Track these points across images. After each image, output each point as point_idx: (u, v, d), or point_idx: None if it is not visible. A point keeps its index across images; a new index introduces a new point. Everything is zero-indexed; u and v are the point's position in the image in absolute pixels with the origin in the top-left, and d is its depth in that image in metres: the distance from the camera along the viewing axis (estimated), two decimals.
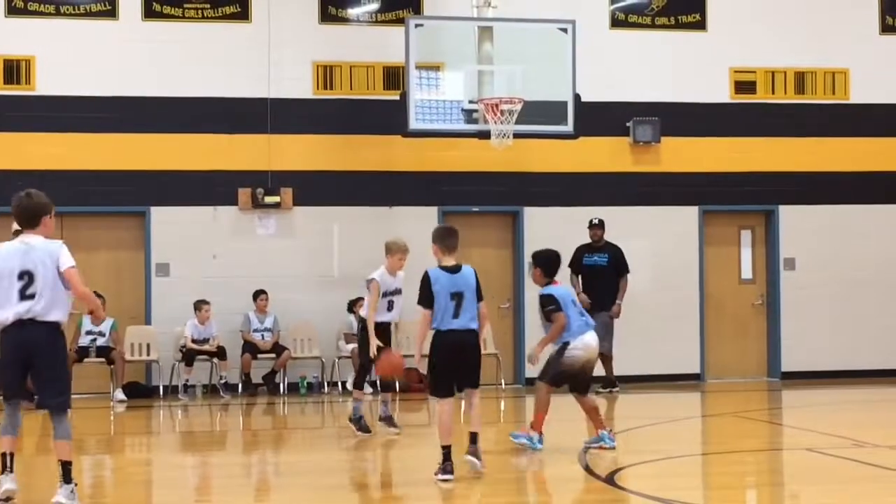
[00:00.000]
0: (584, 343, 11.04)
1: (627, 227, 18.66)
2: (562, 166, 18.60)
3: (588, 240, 17.49)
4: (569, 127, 17.45)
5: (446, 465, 9.53)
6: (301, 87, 18.11)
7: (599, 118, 18.30)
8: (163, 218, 17.72)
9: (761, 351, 19.64)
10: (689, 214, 19.12)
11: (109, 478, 10.26)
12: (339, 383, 17.76)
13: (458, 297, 9.63)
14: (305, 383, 17.72)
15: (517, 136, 16.85)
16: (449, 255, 9.82)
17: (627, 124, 18.79)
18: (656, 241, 18.94)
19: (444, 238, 9.91)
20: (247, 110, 17.83)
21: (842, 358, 19.13)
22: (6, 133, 17.30)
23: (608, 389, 17.17)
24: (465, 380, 9.85)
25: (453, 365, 9.64)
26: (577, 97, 17.31)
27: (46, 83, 17.49)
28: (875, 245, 19.44)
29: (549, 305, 10.97)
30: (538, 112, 17.11)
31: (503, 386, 18.00)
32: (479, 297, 9.84)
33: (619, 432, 12.55)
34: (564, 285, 11.62)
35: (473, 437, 9.85)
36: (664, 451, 11.14)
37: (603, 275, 17.29)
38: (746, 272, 19.71)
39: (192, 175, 17.71)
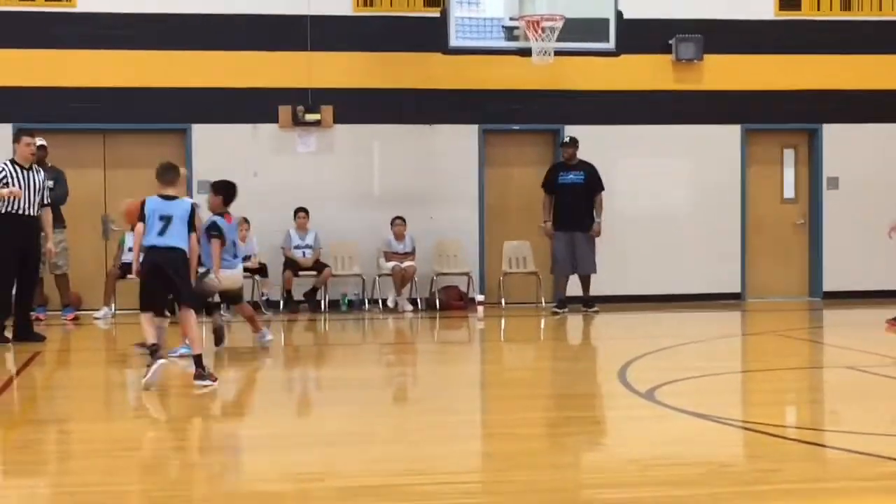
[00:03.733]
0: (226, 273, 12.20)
1: (668, 145, 18.57)
2: (603, 84, 18.47)
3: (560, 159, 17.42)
4: (610, 44, 17.30)
5: (198, 372, 10.06)
6: (342, 4, 18.01)
7: (641, 36, 18.12)
8: (204, 135, 17.75)
9: (803, 270, 19.57)
10: (731, 133, 18.98)
11: (152, 390, 10.38)
12: (380, 300, 17.85)
13: (166, 219, 10.12)
14: (346, 300, 17.81)
15: (558, 53, 16.74)
16: (166, 187, 10.23)
17: (670, 42, 18.60)
18: (698, 160, 18.84)
19: (161, 174, 10.33)
20: (287, 27, 17.77)
21: (884, 277, 19.02)
22: (48, 50, 17.30)
23: (587, 310, 17.06)
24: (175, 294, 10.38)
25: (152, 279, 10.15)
26: (619, 14, 17.15)
27: (87, 0, 17.47)
28: None
29: (214, 231, 11.96)
30: (579, 29, 16.97)
31: (543, 304, 18.01)
32: (191, 229, 10.27)
33: (660, 350, 12.59)
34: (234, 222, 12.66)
35: (196, 360, 10.14)
36: (704, 369, 11.16)
37: (578, 193, 17.07)
38: (789, 191, 19.58)
39: (232, 92, 17.69)
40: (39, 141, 15.32)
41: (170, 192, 10.28)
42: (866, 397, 9.62)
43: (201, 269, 11.61)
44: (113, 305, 16.70)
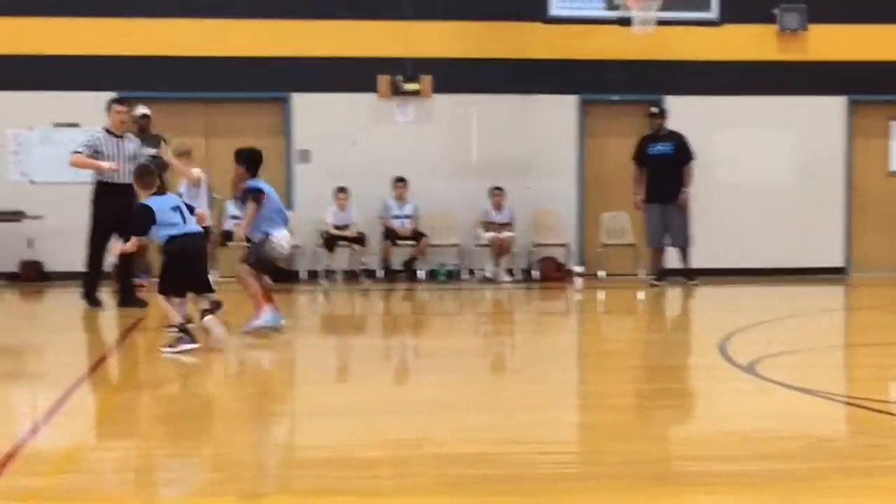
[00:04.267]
0: (283, 236, 11.48)
1: (771, 117, 18.31)
2: (704, 54, 18.24)
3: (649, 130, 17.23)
4: (713, 13, 17.08)
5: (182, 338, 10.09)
6: None
7: (744, 4, 17.86)
8: (303, 104, 17.85)
9: None
10: (836, 104, 18.64)
11: (252, 356, 10.47)
12: (479, 271, 17.83)
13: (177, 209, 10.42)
14: (444, 270, 17.83)
15: (659, 23, 16.55)
16: (147, 189, 10.42)
17: (774, 11, 18.30)
18: (801, 131, 18.55)
19: (140, 177, 10.50)
20: None
21: None
22: (151, 19, 17.48)
23: (687, 282, 16.88)
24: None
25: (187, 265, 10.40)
26: None
27: None
28: None
29: (252, 195, 11.38)
30: None
31: (642, 276, 17.83)
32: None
33: (761, 324, 12.44)
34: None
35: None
36: (806, 343, 11.01)
37: (668, 164, 16.92)
38: None
39: (332, 61, 17.75)
40: (143, 109, 15.50)
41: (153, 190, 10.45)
42: None
43: (259, 236, 11.44)
44: (216, 271, 16.85)
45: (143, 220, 10.31)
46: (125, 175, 13.30)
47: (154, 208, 10.27)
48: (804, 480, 5.88)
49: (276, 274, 12.35)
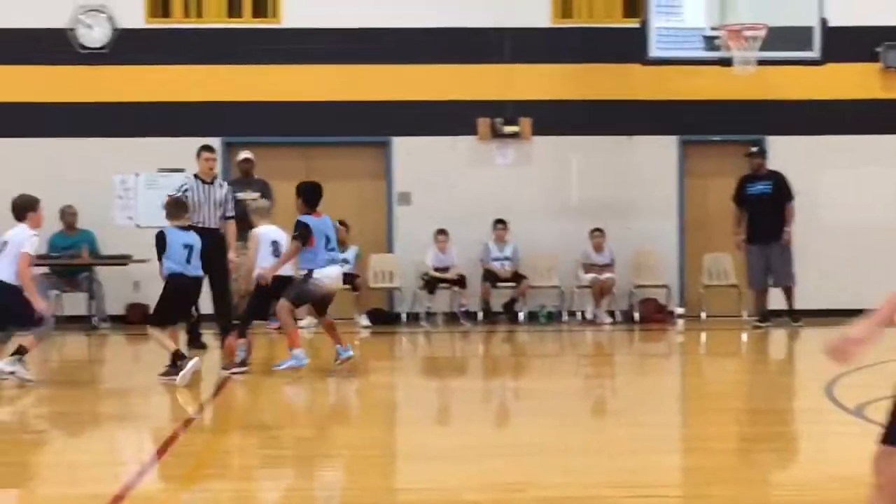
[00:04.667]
0: (326, 274, 11.57)
1: (874, 155, 18.05)
2: (805, 93, 18.07)
3: (749, 171, 17.05)
4: (815, 52, 16.93)
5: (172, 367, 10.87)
6: (540, 15, 18.05)
7: (847, 43, 17.67)
8: (404, 147, 17.99)
9: None
10: None
11: (354, 398, 10.55)
12: (579, 313, 17.78)
13: (189, 248, 11.39)
14: (545, 312, 17.81)
15: (760, 62, 16.45)
16: (175, 220, 11.40)
17: (878, 49, 18.10)
18: None
19: (171, 210, 11.53)
20: (485, 39, 17.86)
21: None
22: (254, 65, 17.76)
23: (792, 324, 16.64)
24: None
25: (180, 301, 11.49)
26: (823, 21, 16.75)
27: (292, 16, 17.89)
28: None
29: (296, 231, 11.60)
30: (782, 37, 16.63)
31: (745, 317, 17.60)
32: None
33: (870, 366, 12.22)
34: (325, 218, 11.88)
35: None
36: None
37: (767, 204, 16.72)
38: None
39: (432, 105, 17.88)
40: (245, 154, 15.74)
41: (181, 223, 11.37)
42: None
43: (302, 272, 11.60)
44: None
45: (156, 245, 11.19)
46: (213, 219, 13.38)
47: (167, 238, 11.13)
48: None
49: (321, 310, 12.09)
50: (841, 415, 9.15)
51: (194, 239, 11.28)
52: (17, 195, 11.25)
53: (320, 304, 11.87)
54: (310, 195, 11.77)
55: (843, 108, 18.13)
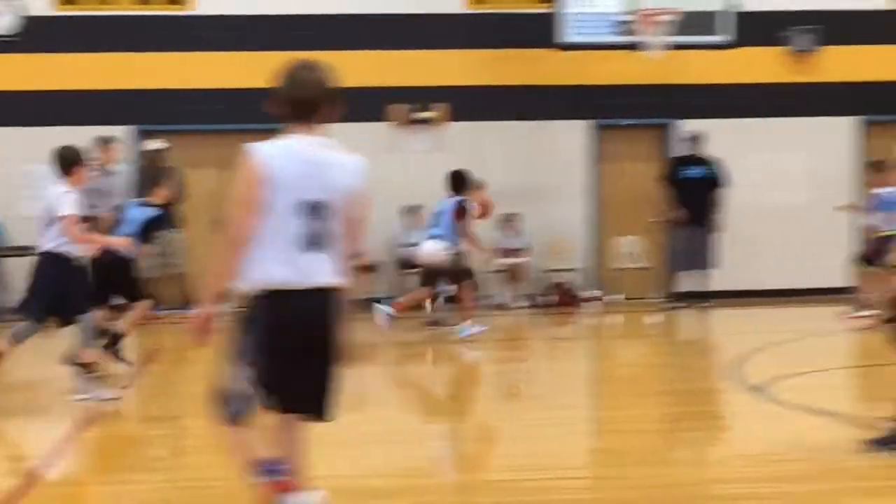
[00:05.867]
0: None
1: (783, 138, 18.31)
2: (718, 77, 18.26)
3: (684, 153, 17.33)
4: (726, 37, 17.14)
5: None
6: (453, 0, 18.04)
7: (757, 27, 17.88)
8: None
9: None
10: (849, 125, 18.63)
11: None
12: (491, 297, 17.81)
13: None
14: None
15: (672, 47, 16.62)
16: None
17: (786, 34, 18.35)
18: (814, 152, 18.51)
19: None
20: (401, 26, 17.83)
21: None
22: (165, 53, 17.54)
23: (702, 305, 16.94)
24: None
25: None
26: (734, 6, 16.97)
27: (205, 3, 17.71)
28: None
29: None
30: (694, 22, 16.86)
31: (656, 299, 17.80)
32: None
33: (777, 345, 12.45)
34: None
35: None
36: (823, 365, 11.01)
37: (701, 188, 17.04)
38: None
39: (345, 92, 17.71)
40: (155, 143, 15.67)
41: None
42: None
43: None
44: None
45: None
46: None
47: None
48: (820, 502, 5.91)
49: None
50: (747, 395, 9.30)
51: None
52: (61, 146, 9.91)
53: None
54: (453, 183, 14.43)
55: (754, 92, 18.35)
